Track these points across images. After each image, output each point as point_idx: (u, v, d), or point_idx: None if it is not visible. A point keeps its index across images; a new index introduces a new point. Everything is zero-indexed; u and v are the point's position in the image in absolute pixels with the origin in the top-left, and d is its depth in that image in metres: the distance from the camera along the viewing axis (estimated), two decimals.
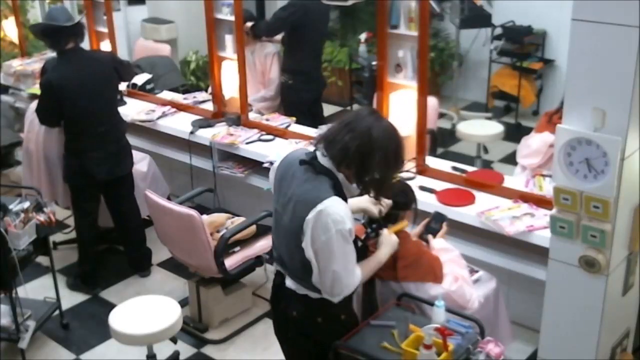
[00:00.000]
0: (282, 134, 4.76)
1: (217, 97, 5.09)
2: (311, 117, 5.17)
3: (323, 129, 4.62)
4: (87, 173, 4.31)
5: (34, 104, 4.71)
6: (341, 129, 2.51)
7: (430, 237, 3.23)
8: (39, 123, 4.42)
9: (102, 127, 4.31)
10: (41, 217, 3.83)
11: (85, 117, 4.25)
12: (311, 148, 2.67)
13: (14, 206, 3.77)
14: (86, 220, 4.52)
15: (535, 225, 3.52)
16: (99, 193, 4.49)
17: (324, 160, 2.53)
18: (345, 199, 2.53)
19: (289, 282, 2.68)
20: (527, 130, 4.76)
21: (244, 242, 4.07)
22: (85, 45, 5.97)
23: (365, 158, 2.47)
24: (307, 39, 5.32)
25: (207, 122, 4.98)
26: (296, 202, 2.54)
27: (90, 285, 4.58)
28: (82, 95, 4.20)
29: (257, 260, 4.11)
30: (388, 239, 2.84)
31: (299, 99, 5.31)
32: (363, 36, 6.78)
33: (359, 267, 2.61)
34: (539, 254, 3.47)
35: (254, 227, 4.08)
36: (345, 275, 2.53)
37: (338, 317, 2.69)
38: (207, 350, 4.06)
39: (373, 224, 2.91)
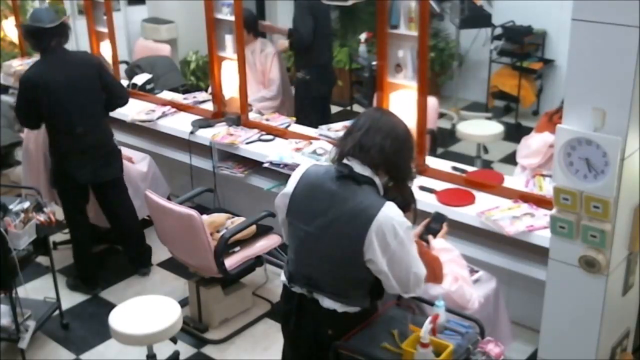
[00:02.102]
0: (282, 134, 4.76)
1: (217, 97, 5.09)
2: (321, 114, 5.17)
3: (323, 128, 4.69)
4: (69, 177, 4.30)
5: None
6: (366, 134, 2.53)
7: (430, 237, 3.23)
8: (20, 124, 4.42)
9: (80, 128, 4.23)
10: (41, 217, 3.83)
11: (62, 116, 4.22)
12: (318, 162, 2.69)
13: (14, 206, 3.77)
14: (76, 223, 4.51)
15: (535, 225, 3.52)
16: (85, 196, 4.47)
17: (360, 168, 2.53)
18: None
19: (328, 303, 2.62)
20: (527, 130, 4.76)
21: (244, 242, 4.06)
22: (85, 45, 6.00)
23: (399, 155, 2.55)
24: (319, 33, 5.37)
25: (207, 122, 4.98)
26: (349, 218, 2.50)
27: (90, 285, 4.58)
28: (59, 93, 4.17)
29: (257, 260, 4.11)
30: None
31: (315, 93, 5.38)
32: (363, 36, 6.78)
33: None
34: (539, 254, 3.47)
35: (254, 227, 4.08)
36: (422, 269, 2.59)
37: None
38: (207, 350, 4.06)
39: None
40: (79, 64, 4.32)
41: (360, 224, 2.48)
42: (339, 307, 2.62)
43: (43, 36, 4.17)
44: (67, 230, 5.12)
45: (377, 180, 2.55)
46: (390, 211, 2.48)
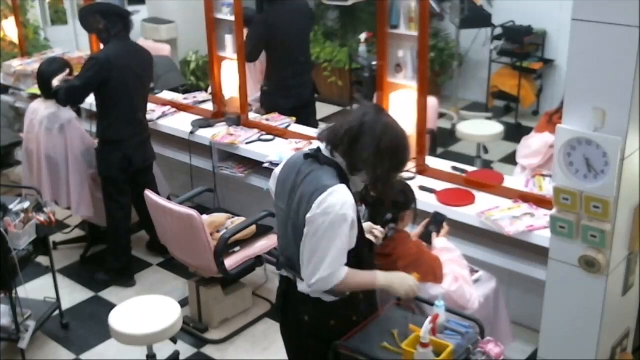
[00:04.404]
0: (282, 134, 4.77)
1: (217, 97, 5.09)
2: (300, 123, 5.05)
3: (323, 128, 4.69)
4: (126, 162, 4.44)
5: (34, 104, 4.73)
6: (342, 120, 2.53)
7: (433, 235, 3.23)
8: (62, 102, 4.46)
9: (140, 113, 4.54)
10: (41, 217, 3.83)
11: (127, 101, 4.40)
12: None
13: (14, 206, 3.77)
14: (123, 213, 4.59)
15: (535, 225, 3.52)
16: (129, 183, 4.56)
17: (326, 151, 2.53)
18: (351, 190, 2.50)
19: (302, 286, 2.61)
20: (527, 130, 4.76)
21: (244, 242, 4.07)
22: (86, 45, 6.00)
23: (352, 141, 2.45)
24: (277, 50, 5.15)
25: (207, 122, 4.98)
26: (302, 195, 2.49)
27: (129, 278, 4.64)
28: (129, 78, 4.37)
29: (257, 260, 4.11)
30: (401, 276, 2.72)
31: (275, 106, 5.15)
32: (363, 36, 6.79)
33: (347, 269, 2.51)
34: (539, 254, 3.47)
35: (254, 227, 4.08)
36: (328, 264, 2.44)
37: (350, 319, 2.66)
38: (207, 350, 4.06)
39: (390, 224, 2.92)
40: (142, 55, 4.55)
41: (311, 200, 2.45)
42: (311, 292, 2.60)
43: (119, 20, 4.36)
44: (67, 230, 5.14)
45: (339, 161, 2.50)
46: (335, 192, 2.41)
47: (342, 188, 2.44)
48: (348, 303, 2.63)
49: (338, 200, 2.42)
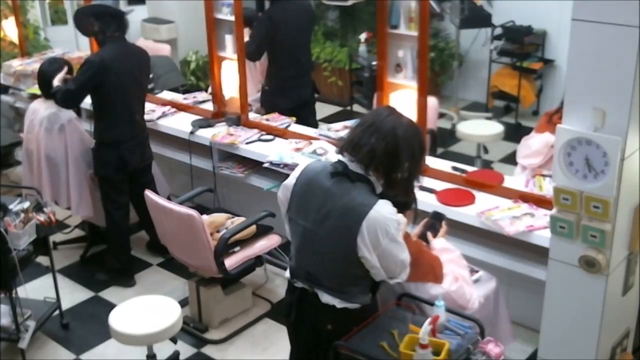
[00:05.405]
0: (282, 133, 4.76)
1: (217, 97, 5.09)
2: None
3: (323, 128, 4.69)
4: (122, 163, 4.42)
5: (34, 104, 4.73)
6: (365, 132, 2.52)
7: (430, 236, 3.23)
8: (60, 104, 4.46)
9: (137, 115, 4.52)
10: (41, 217, 3.83)
11: (124, 103, 4.40)
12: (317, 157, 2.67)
13: (14, 206, 3.77)
14: (121, 212, 4.59)
15: (535, 225, 3.52)
16: (127, 183, 4.56)
17: (354, 166, 2.54)
18: None
19: (327, 298, 2.64)
20: (527, 130, 4.76)
21: (244, 242, 4.07)
22: (85, 45, 6.00)
23: (393, 158, 2.50)
24: (278, 49, 5.16)
25: (207, 122, 4.98)
26: (341, 215, 2.52)
27: (129, 278, 4.64)
28: (125, 80, 4.35)
29: (257, 260, 4.11)
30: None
31: (274, 106, 5.17)
32: (363, 36, 6.79)
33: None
34: (539, 254, 3.47)
35: (254, 227, 4.08)
36: (407, 256, 2.61)
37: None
38: (207, 350, 4.06)
39: None
40: (138, 55, 4.54)
41: (351, 222, 2.49)
42: (338, 303, 2.63)
43: (113, 21, 4.34)
44: (67, 230, 5.14)
45: (372, 178, 2.55)
46: (382, 209, 2.48)
47: (382, 203, 2.51)
48: (368, 307, 2.69)
49: (388, 215, 2.49)
